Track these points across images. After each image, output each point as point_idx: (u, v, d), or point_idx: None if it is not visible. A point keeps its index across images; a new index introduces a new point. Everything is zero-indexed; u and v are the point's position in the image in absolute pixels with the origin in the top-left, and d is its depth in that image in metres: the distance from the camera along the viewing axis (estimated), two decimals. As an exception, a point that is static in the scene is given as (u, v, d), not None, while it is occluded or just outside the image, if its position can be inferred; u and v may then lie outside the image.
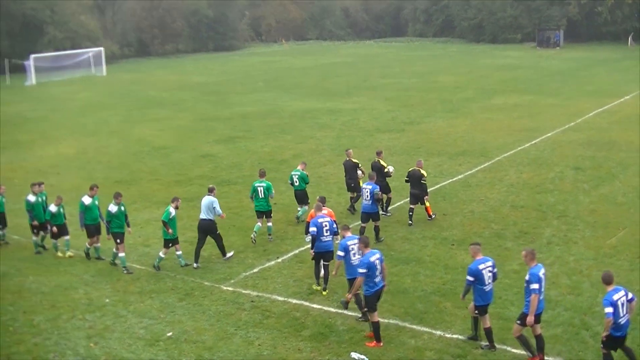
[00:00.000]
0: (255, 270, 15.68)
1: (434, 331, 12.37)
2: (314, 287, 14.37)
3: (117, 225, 15.92)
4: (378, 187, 16.89)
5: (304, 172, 18.61)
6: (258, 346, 12.19)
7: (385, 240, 16.87)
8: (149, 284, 15.13)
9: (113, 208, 15.89)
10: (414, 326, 12.65)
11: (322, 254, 14.06)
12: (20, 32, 66.01)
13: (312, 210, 15.24)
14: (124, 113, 39.17)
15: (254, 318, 13.25)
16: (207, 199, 16.12)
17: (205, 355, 11.97)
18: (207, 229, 16.06)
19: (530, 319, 10.83)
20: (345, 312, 13.28)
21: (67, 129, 34.64)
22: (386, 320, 12.75)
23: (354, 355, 11.68)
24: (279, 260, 16.18)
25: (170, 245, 15.88)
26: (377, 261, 11.92)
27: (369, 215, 16.82)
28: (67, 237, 17.08)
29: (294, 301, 13.87)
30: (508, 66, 56.63)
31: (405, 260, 15.79)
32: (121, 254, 15.86)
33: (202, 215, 16.08)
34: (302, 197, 18.60)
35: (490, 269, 11.57)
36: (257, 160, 26.32)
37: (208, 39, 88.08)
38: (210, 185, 16.78)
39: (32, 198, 17.17)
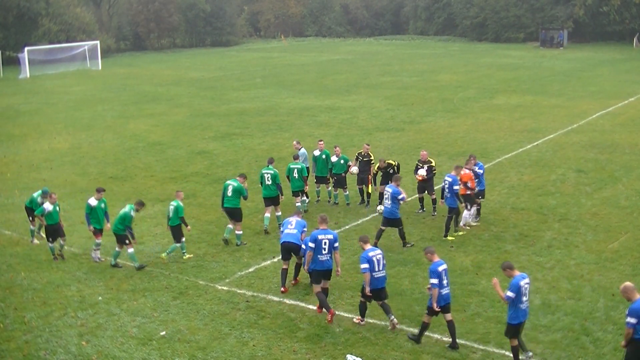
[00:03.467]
0: (251, 269, 15.48)
1: (431, 334, 12.19)
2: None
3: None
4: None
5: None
6: (252, 347, 12.04)
7: (384, 242, 16.61)
8: (143, 282, 14.92)
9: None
10: (411, 329, 12.48)
11: None
12: (14, 24, 65.51)
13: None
14: (119, 108, 38.86)
15: (248, 318, 13.08)
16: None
17: (198, 355, 11.81)
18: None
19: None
20: (342, 313, 13.13)
21: (61, 123, 34.29)
22: (383, 323, 12.63)
23: (349, 357, 11.54)
24: (275, 259, 15.92)
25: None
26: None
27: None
28: (180, 244, 16.09)
29: (290, 302, 13.70)
30: (510, 66, 56.51)
31: (403, 261, 15.60)
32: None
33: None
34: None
35: (304, 228, 13.93)
36: (254, 158, 26.07)
37: (205, 34, 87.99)
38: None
39: (93, 202, 16.12)
